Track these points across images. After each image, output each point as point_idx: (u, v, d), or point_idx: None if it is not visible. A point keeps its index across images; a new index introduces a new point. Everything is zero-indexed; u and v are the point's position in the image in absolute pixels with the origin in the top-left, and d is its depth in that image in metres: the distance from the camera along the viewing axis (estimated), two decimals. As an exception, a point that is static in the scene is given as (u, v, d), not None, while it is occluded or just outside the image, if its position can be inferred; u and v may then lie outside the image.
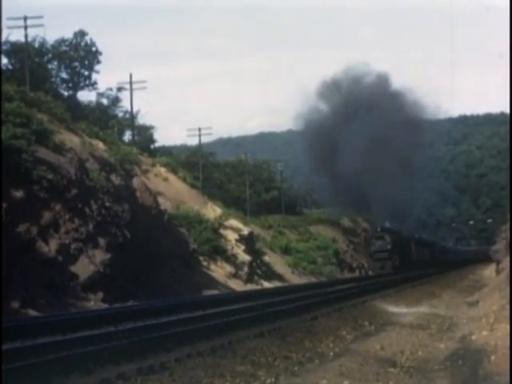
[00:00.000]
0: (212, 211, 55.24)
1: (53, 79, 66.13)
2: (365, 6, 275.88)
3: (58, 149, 31.07)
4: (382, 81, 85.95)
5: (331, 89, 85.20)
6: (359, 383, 12.02)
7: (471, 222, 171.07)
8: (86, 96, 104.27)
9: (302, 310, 22.55)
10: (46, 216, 27.97)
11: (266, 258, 59.67)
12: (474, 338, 17.00)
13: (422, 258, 75.79)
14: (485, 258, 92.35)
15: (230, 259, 49.87)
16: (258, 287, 48.15)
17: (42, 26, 56.79)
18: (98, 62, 70.09)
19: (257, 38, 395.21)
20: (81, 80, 69.78)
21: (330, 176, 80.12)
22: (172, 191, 53.71)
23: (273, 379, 11.59)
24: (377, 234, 64.87)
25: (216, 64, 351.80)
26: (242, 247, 53.23)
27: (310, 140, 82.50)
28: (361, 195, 72.23)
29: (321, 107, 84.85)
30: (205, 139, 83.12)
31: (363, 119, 73.79)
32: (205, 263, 46.42)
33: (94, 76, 70.84)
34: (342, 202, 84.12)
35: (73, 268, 28.19)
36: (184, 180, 60.17)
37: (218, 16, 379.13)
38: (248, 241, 54.96)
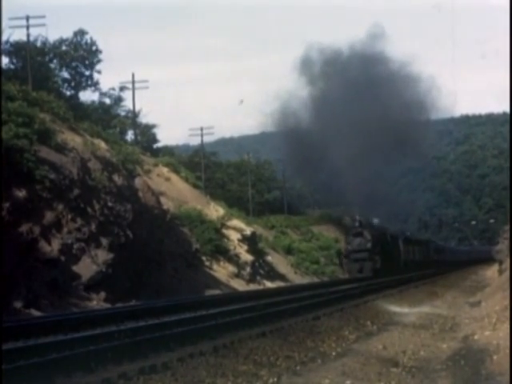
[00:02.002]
0: (214, 211, 55.28)
1: (55, 79, 66.18)
2: (365, 6, 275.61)
3: (61, 148, 31.09)
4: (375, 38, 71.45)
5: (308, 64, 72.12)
6: (361, 383, 12.02)
7: (473, 223, 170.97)
8: (88, 96, 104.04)
9: (305, 309, 22.54)
10: (49, 216, 28.00)
11: (269, 258, 59.70)
12: (476, 337, 17.00)
13: (413, 259, 66.85)
14: (487, 259, 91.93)
15: (233, 259, 49.92)
16: (261, 287, 48.17)
17: (44, 25, 57.11)
18: (99, 61, 70.17)
19: (258, 38, 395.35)
20: (82, 80, 69.84)
21: (313, 175, 73.00)
22: (174, 191, 53.76)
23: (275, 379, 11.58)
24: (354, 230, 54.08)
25: (218, 63, 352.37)
26: (245, 247, 53.28)
27: (290, 139, 72.64)
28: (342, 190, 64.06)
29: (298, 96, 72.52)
30: (207, 139, 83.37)
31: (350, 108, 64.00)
32: (207, 263, 46.47)
33: (96, 76, 71.00)
34: (331, 200, 79.93)
35: (75, 268, 28.22)
36: (186, 180, 60.26)
37: (220, 16, 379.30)
38: (250, 241, 55.02)
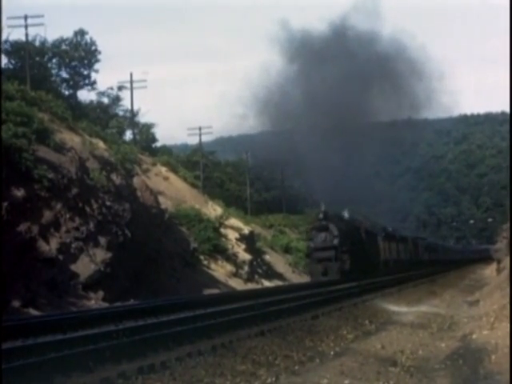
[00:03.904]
0: (213, 210, 55.30)
1: (53, 78, 66.22)
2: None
3: (59, 148, 31.10)
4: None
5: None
6: (360, 382, 12.02)
7: (472, 222, 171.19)
8: (85, 95, 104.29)
9: (303, 309, 22.51)
10: (47, 215, 27.99)
11: (267, 257, 59.74)
12: (474, 337, 16.99)
13: (397, 259, 58.58)
14: (485, 258, 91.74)
15: (231, 258, 49.93)
16: (259, 286, 48.18)
17: (42, 25, 57.20)
18: (97, 61, 70.21)
19: (256, 37, 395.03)
20: (80, 79, 69.88)
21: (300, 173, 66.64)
22: (172, 190, 53.77)
23: (273, 378, 11.57)
24: (318, 224, 44.37)
25: (216, 62, 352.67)
26: (243, 246, 53.30)
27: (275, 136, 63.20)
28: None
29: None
30: (205, 138, 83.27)
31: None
32: (205, 262, 46.48)
33: (94, 75, 71.06)
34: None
35: (73, 267, 28.21)
36: (184, 179, 60.31)
37: (219, 15, 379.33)
38: (248, 240, 55.04)
